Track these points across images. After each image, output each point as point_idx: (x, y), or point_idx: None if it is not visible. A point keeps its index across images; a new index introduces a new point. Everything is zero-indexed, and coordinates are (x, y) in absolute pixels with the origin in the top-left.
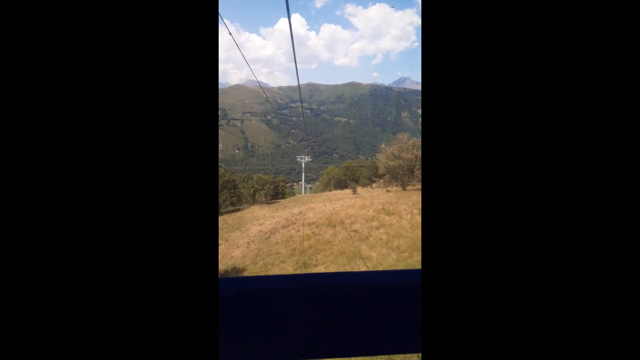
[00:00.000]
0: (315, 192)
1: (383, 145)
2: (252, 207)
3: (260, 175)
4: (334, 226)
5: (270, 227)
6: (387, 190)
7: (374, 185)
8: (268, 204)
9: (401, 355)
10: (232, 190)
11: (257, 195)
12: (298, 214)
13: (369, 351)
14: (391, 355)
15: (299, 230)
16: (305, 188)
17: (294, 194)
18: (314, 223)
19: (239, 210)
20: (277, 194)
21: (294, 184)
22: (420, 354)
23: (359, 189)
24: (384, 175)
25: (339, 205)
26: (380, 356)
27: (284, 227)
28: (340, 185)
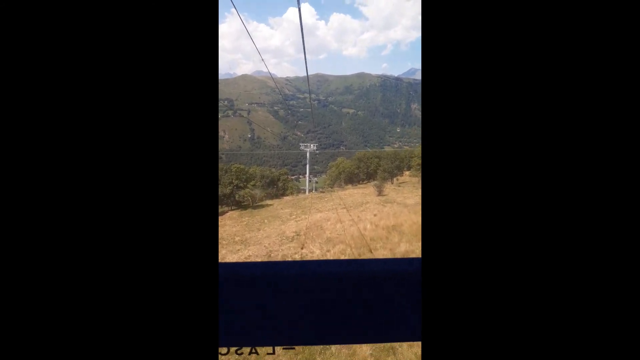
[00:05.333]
0: (322, 187)
1: None
2: (221, 217)
3: (241, 165)
4: None
5: None
6: None
7: (399, 180)
8: (255, 207)
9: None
10: None
11: (237, 196)
12: (288, 247)
13: (369, 339)
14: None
15: None
16: (310, 181)
17: (298, 190)
18: None
19: None
20: (275, 190)
21: (300, 176)
22: (420, 342)
23: (386, 187)
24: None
25: (368, 225)
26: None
27: None
28: (352, 179)
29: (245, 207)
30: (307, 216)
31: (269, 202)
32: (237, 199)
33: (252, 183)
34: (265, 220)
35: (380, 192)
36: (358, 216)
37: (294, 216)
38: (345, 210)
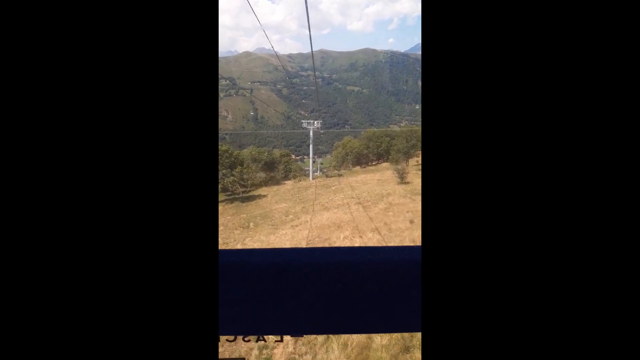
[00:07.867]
0: (328, 168)
1: None
2: None
3: (223, 147)
4: None
5: None
6: None
7: (418, 163)
8: (244, 199)
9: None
10: None
11: (221, 185)
12: None
13: (378, 328)
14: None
15: None
16: (315, 162)
17: (302, 172)
18: None
19: None
20: (276, 174)
21: (304, 157)
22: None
23: (409, 172)
24: None
25: (409, 245)
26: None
27: None
28: (360, 161)
29: (232, 199)
30: (309, 217)
31: (263, 190)
32: (220, 188)
33: (238, 169)
34: (251, 224)
35: (402, 178)
36: (384, 222)
37: (290, 216)
38: (361, 206)
